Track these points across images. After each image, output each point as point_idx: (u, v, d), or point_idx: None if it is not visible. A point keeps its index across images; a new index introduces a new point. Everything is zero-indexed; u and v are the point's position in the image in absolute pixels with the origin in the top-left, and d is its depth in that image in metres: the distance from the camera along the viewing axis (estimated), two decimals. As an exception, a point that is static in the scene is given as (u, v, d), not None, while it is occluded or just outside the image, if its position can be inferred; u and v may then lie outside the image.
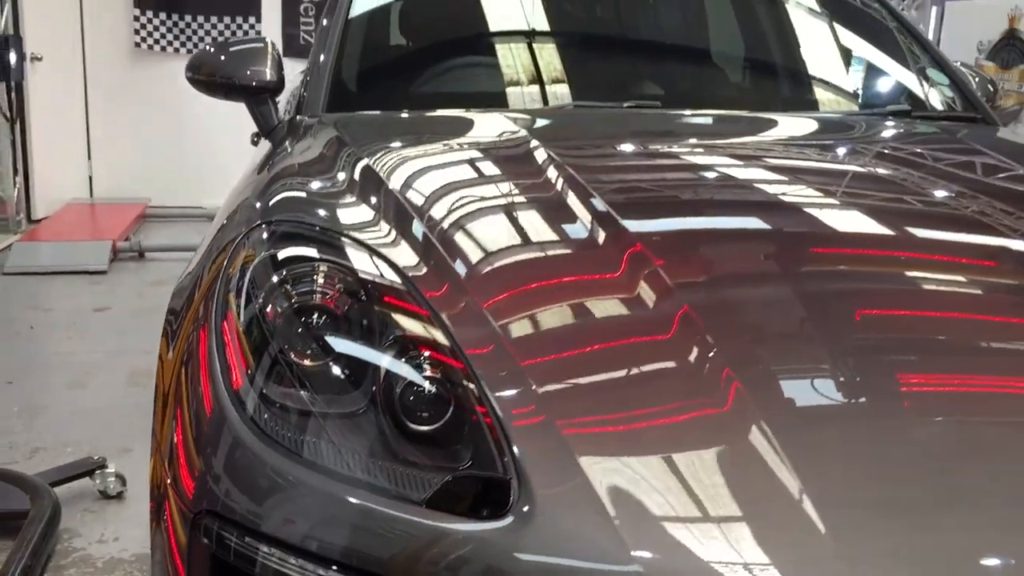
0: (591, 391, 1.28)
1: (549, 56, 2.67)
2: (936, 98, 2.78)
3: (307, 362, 1.36)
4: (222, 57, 2.70)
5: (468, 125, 2.30)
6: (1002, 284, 1.56)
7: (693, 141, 2.26)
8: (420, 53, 2.80)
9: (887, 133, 2.42)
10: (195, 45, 8.36)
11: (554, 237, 1.62)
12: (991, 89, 3.03)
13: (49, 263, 6.15)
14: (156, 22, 8.40)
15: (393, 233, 1.55)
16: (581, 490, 1.12)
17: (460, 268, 1.46)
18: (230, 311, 1.46)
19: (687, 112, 2.44)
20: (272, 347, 1.37)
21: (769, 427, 1.17)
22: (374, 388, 1.29)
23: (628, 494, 1.12)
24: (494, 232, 1.61)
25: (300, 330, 1.39)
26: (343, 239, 1.52)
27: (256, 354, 1.38)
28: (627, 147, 2.21)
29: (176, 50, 8.34)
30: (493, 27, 2.84)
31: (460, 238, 1.54)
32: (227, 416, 1.32)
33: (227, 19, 8.48)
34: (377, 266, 1.45)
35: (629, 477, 1.14)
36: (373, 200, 1.68)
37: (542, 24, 2.78)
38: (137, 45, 8.33)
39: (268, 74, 2.64)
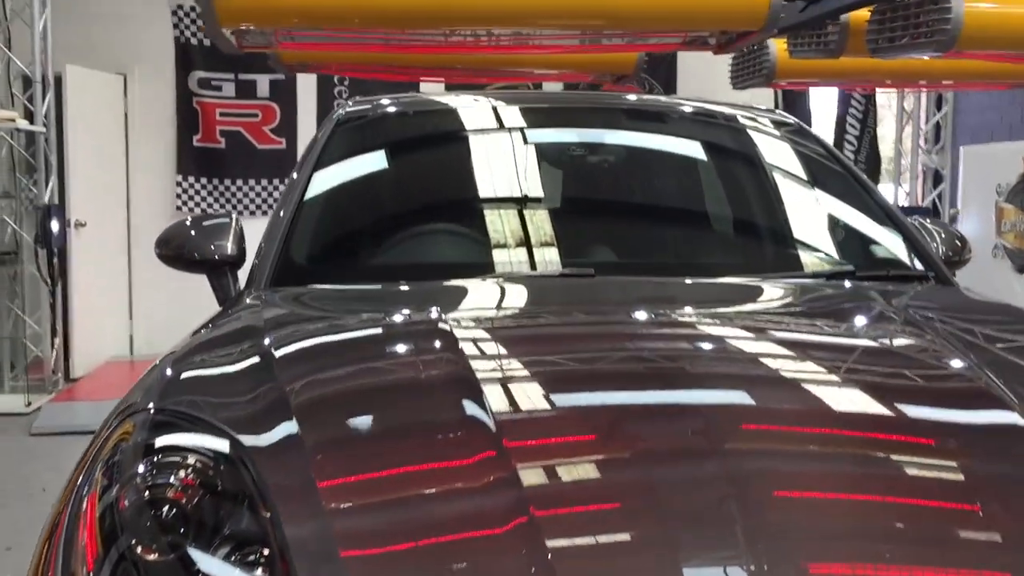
0: None
1: (491, 224, 2.75)
2: (885, 256, 2.76)
3: (152, 556, 1.38)
4: (192, 232, 2.83)
5: (393, 299, 2.35)
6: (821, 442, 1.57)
7: (600, 310, 2.27)
8: (374, 224, 2.89)
9: (804, 297, 2.41)
10: (233, 207, 8.74)
11: (413, 430, 1.63)
12: (958, 244, 3.00)
13: (79, 423, 6.28)
14: (197, 186, 8.82)
15: (266, 426, 1.57)
16: None
17: (315, 467, 1.47)
18: (94, 491, 1.50)
19: (610, 279, 2.45)
20: (121, 540, 1.40)
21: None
22: None
23: None
24: (355, 424, 1.64)
25: (148, 523, 1.41)
26: (216, 431, 1.55)
27: (105, 543, 1.40)
28: (536, 322, 2.24)
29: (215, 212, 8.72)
30: (447, 196, 2.94)
31: (322, 433, 1.57)
32: None
33: (264, 181, 8.87)
34: (237, 460, 1.48)
35: None
36: (257, 389, 1.70)
37: (489, 191, 2.87)
38: (179, 208, 8.72)
39: (228, 248, 2.76)
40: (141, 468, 1.50)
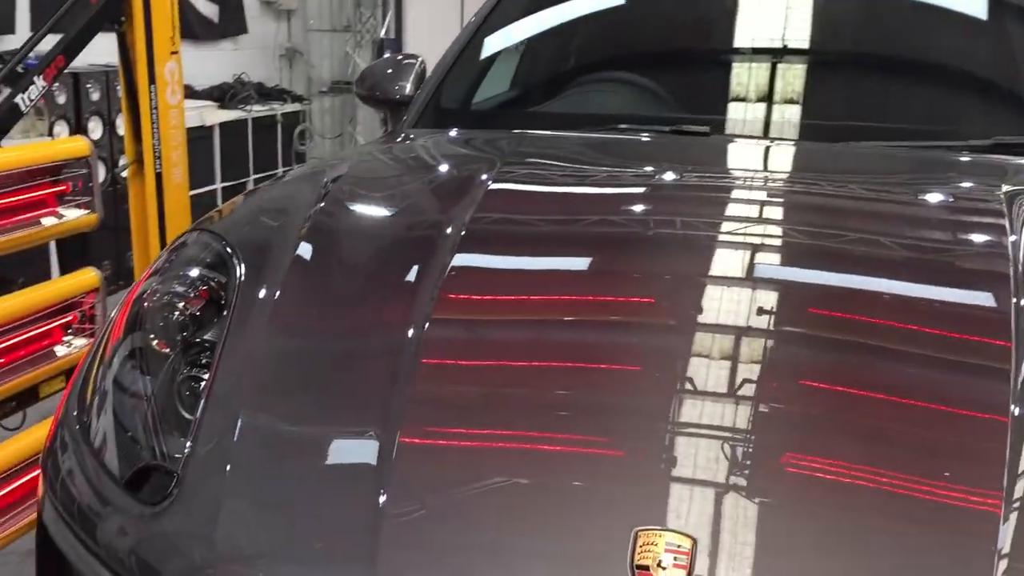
0: (289, 404, 1.45)
1: (638, 74, 2.71)
2: None
3: (155, 346, 1.66)
4: (385, 71, 3.06)
5: (485, 145, 2.43)
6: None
7: (684, 170, 2.20)
8: (527, 73, 2.95)
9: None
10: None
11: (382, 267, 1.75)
12: None
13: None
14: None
15: (278, 257, 1.76)
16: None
17: (287, 291, 1.66)
18: (135, 287, 1.81)
19: (729, 139, 2.36)
20: (137, 328, 1.69)
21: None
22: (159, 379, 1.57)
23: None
24: (336, 257, 1.79)
25: (159, 321, 1.69)
26: (238, 255, 1.78)
27: (127, 329, 1.70)
28: (585, 175, 2.23)
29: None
30: (602, 52, 2.92)
31: (311, 264, 1.74)
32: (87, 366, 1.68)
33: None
34: (236, 286, 1.70)
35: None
36: (290, 224, 1.89)
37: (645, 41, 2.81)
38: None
39: (407, 89, 2.96)
40: (174, 277, 1.79)
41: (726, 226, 1.89)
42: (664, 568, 1.13)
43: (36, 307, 2.60)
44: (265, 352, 1.53)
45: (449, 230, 1.78)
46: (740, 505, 1.21)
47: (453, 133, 2.56)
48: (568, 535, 1.19)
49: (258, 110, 6.75)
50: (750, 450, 1.27)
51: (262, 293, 1.66)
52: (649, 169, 2.22)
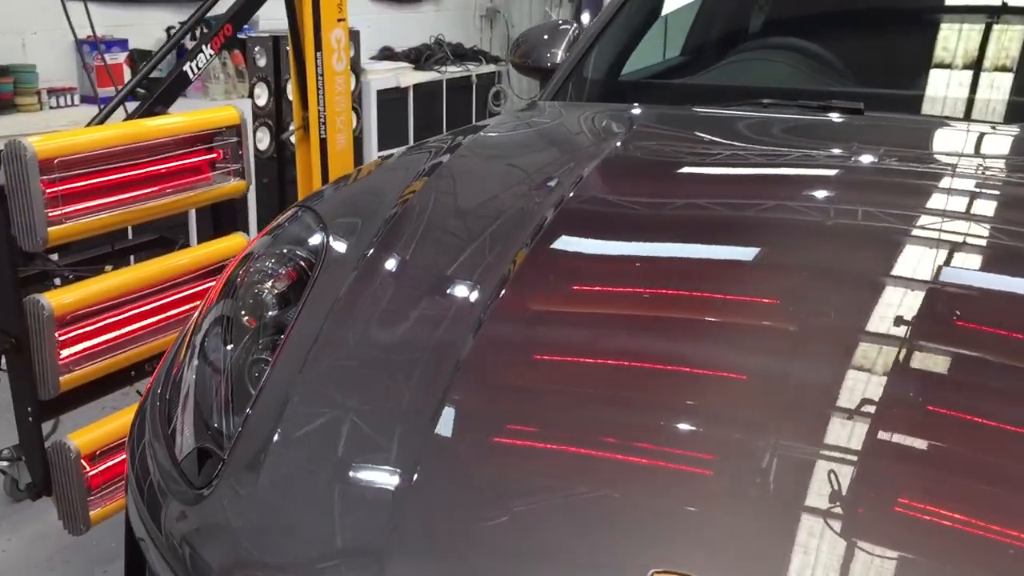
0: (339, 395, 1.42)
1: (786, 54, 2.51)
2: None
3: (244, 322, 1.69)
4: (541, 36, 3.00)
5: (614, 117, 2.31)
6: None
7: (809, 153, 2.00)
8: (681, 43, 2.79)
9: None
10: None
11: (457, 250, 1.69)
12: None
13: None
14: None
15: (363, 240, 1.75)
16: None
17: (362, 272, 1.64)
18: (237, 258, 1.84)
19: (864, 121, 2.13)
20: (228, 301, 1.72)
21: None
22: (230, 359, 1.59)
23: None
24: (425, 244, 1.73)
25: (249, 297, 1.72)
26: (335, 236, 1.77)
27: (218, 303, 1.74)
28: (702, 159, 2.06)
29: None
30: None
31: (393, 247, 1.70)
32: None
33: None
34: (319, 267, 1.69)
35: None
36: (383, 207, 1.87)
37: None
38: None
39: (558, 57, 2.89)
40: (271, 254, 1.81)
41: (859, 217, 1.70)
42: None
43: (194, 267, 2.72)
44: (328, 338, 1.52)
45: (542, 214, 1.70)
46: (793, 555, 1.07)
47: (584, 107, 2.47)
48: (580, 561, 1.10)
49: (453, 71, 6.81)
50: (831, 492, 1.11)
51: (340, 275, 1.64)
52: (782, 150, 2.05)
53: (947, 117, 2.11)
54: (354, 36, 6.00)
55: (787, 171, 1.92)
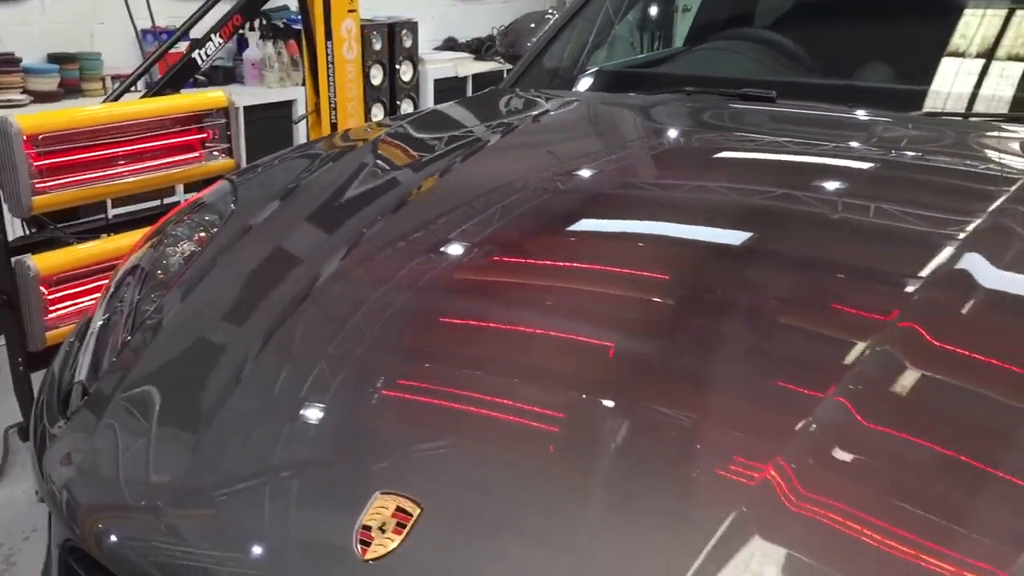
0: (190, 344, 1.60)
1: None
2: None
3: (159, 275, 1.88)
4: (524, 25, 3.14)
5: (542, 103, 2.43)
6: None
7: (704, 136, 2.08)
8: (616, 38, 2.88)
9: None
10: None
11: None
12: None
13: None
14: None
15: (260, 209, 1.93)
16: None
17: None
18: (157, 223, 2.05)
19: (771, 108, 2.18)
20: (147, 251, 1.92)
21: None
22: None
23: None
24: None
25: (161, 256, 1.91)
26: (241, 206, 1.96)
27: (138, 251, 1.94)
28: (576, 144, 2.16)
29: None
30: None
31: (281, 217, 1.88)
32: None
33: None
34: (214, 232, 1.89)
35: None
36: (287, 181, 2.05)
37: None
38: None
39: (526, 47, 3.02)
40: (181, 219, 2.00)
41: (700, 192, 1.78)
42: (384, 531, 1.17)
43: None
44: (191, 297, 1.70)
45: (411, 188, 1.85)
46: (482, 476, 1.19)
47: (525, 93, 2.59)
48: (323, 489, 1.25)
49: (513, 62, 6.97)
50: (524, 427, 1.24)
51: (228, 242, 1.83)
52: (666, 133, 2.14)
53: (851, 106, 2.15)
54: (412, 27, 6.21)
55: (653, 152, 2.02)
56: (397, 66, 6.12)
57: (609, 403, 1.25)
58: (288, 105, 5.39)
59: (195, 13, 3.37)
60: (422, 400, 1.34)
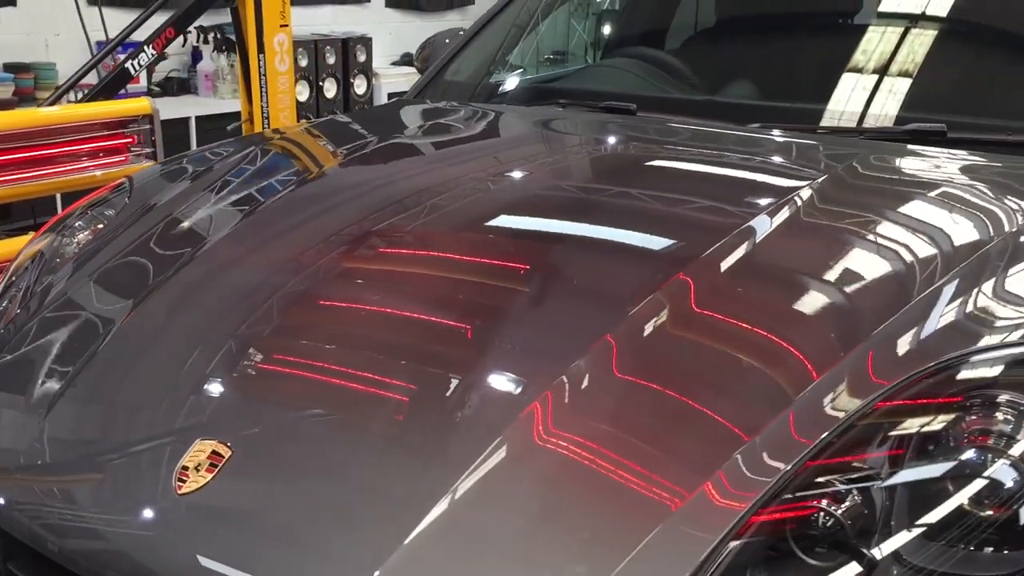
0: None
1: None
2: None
3: (56, 261, 2.08)
4: (446, 40, 3.34)
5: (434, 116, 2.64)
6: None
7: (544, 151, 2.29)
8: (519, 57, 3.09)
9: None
10: None
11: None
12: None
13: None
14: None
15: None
16: None
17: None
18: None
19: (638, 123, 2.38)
20: (49, 237, 2.12)
21: None
22: None
23: None
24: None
25: (58, 244, 2.11)
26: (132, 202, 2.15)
27: (41, 237, 2.15)
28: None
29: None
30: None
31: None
32: None
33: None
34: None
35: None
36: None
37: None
38: None
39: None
40: (83, 212, 2.19)
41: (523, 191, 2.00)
42: (199, 471, 1.36)
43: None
44: (68, 282, 1.88)
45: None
46: (287, 424, 1.38)
47: (421, 105, 2.79)
48: (160, 441, 1.43)
49: (468, 78, 7.18)
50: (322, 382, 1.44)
51: (116, 228, 2.03)
52: (522, 143, 2.35)
53: (704, 119, 2.35)
54: (366, 42, 6.43)
55: (498, 154, 2.24)
56: (352, 80, 6.34)
57: (402, 363, 1.45)
58: (239, 116, 5.59)
59: (129, 26, 3.56)
60: (250, 363, 1.54)
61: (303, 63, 5.99)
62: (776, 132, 2.17)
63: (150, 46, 3.47)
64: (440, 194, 1.96)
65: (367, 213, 1.89)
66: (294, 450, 1.34)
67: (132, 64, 3.43)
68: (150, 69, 5.60)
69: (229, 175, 2.21)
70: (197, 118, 5.35)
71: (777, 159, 2.09)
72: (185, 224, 2.01)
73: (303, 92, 6.03)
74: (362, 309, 1.61)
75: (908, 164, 1.99)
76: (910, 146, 2.03)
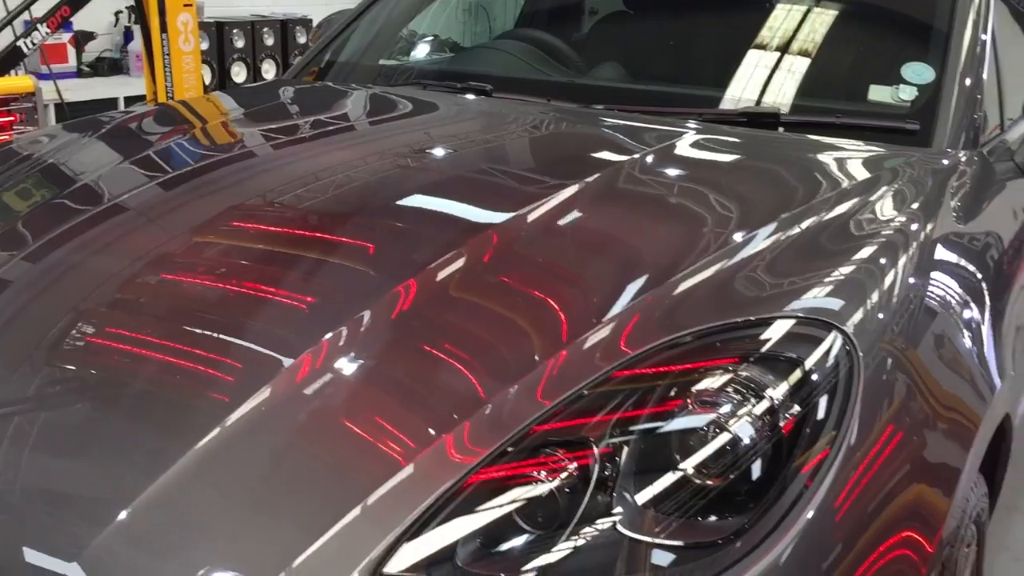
0: None
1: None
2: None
3: None
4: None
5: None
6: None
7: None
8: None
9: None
10: None
11: None
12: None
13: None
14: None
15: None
16: None
17: None
18: None
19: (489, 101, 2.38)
20: None
21: None
22: None
23: None
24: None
25: None
26: None
27: None
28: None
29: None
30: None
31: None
32: None
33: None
34: None
35: None
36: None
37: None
38: None
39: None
40: None
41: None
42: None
43: None
44: None
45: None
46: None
47: (291, 83, 2.77)
48: None
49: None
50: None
51: None
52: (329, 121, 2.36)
53: (558, 100, 2.34)
54: (305, 23, 6.40)
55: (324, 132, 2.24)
56: (291, 61, 6.29)
57: (180, 329, 1.43)
58: (170, 97, 5.56)
59: (23, 4, 3.52)
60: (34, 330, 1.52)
61: (239, 44, 5.95)
62: (619, 113, 2.17)
63: (44, 24, 3.43)
64: (251, 169, 1.97)
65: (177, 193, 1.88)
66: (55, 411, 1.33)
67: (25, 42, 3.39)
68: (79, 49, 5.57)
69: (92, 143, 2.22)
70: (126, 98, 5.31)
71: (607, 137, 2.10)
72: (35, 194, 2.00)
73: (240, 74, 5.99)
74: (146, 283, 1.59)
75: (726, 145, 2.00)
76: (744, 129, 2.04)
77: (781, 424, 1.16)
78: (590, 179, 1.73)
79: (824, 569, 1.10)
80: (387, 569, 1.05)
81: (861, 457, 1.17)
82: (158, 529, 1.12)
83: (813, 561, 1.10)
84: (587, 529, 1.08)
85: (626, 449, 1.15)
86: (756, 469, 1.14)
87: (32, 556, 1.12)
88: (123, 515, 1.12)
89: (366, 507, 1.09)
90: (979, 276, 1.63)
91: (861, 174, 1.81)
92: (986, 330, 1.57)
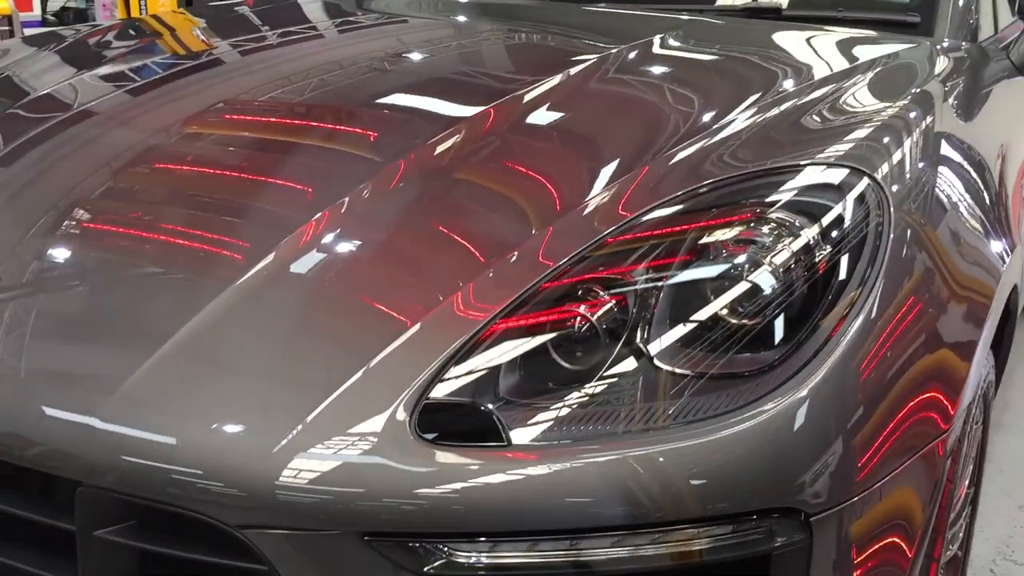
0: None
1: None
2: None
3: None
4: None
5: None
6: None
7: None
8: None
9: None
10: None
11: None
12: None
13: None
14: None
15: None
16: None
17: None
18: None
19: None
20: None
21: None
22: None
23: None
24: None
25: None
26: None
27: None
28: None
29: None
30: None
31: None
32: None
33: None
34: None
35: None
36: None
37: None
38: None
39: None
40: None
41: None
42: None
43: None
44: None
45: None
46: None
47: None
48: None
49: None
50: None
51: None
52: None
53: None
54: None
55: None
56: None
57: (192, 208, 1.42)
58: (138, 45, 5.45)
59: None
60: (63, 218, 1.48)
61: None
62: (622, 8, 2.19)
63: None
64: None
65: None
66: (58, 285, 1.32)
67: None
68: (44, -2, 5.45)
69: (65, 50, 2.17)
70: (93, 46, 5.20)
71: (610, 28, 2.12)
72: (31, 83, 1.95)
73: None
74: (140, 172, 1.56)
75: (725, 35, 2.03)
76: (741, 19, 2.05)
77: (817, 260, 1.16)
78: (591, 60, 1.75)
79: (854, 401, 1.11)
80: (433, 394, 1.04)
81: (890, 301, 1.17)
82: (190, 370, 1.12)
83: (849, 384, 1.11)
84: (624, 363, 1.09)
85: (662, 290, 1.15)
86: (792, 309, 1.14)
87: (52, 412, 1.11)
88: (152, 360, 1.11)
89: (410, 339, 1.10)
90: (981, 154, 1.65)
91: (867, 54, 1.82)
92: (994, 198, 1.58)
